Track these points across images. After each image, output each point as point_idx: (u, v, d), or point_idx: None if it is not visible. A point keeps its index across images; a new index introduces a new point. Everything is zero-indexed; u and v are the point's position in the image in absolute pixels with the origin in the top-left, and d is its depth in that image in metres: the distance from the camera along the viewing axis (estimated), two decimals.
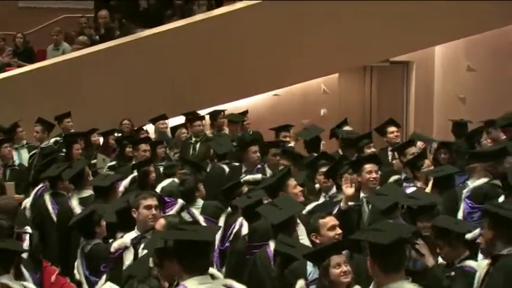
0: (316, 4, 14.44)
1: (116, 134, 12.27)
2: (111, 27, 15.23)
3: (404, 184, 8.96)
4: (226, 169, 10.28)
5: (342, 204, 7.42)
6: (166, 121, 12.73)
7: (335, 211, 7.44)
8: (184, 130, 12.18)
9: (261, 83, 14.70)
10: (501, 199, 7.67)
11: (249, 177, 9.19)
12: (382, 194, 7.31)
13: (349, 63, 15.47)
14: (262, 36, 14.32)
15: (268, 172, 9.85)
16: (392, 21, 14.69)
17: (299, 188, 7.79)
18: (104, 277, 6.75)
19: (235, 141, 11.11)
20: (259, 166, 10.07)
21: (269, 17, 14.40)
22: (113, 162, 11.23)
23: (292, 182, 7.75)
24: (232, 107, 13.93)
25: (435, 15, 14.87)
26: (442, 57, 16.70)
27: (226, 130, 12.52)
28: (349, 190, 7.43)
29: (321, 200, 8.58)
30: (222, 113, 12.88)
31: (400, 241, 5.14)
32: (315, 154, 10.06)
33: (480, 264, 5.92)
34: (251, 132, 12.36)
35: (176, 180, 9.17)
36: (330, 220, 6.44)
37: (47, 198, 9.00)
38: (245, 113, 12.69)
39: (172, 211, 8.22)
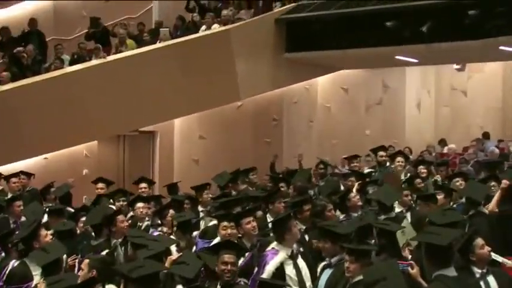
0: (80, 84, 14.37)
1: None
2: None
3: (151, 229, 9.03)
4: None
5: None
6: None
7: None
8: None
9: (34, 148, 14.29)
10: None
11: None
12: (135, 236, 7.32)
13: (106, 133, 15.44)
14: (33, 111, 13.98)
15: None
16: (140, 98, 14.96)
17: (49, 237, 7.58)
18: None
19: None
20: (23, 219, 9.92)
21: (38, 95, 14.09)
22: None
23: (43, 232, 7.52)
24: (10, 168, 13.39)
25: (174, 95, 15.28)
26: (180, 128, 17.13)
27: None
28: None
29: None
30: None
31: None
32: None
33: None
34: (31, 188, 11.98)
35: None
36: (84, 263, 6.37)
37: None
38: (29, 174, 12.26)
39: None
